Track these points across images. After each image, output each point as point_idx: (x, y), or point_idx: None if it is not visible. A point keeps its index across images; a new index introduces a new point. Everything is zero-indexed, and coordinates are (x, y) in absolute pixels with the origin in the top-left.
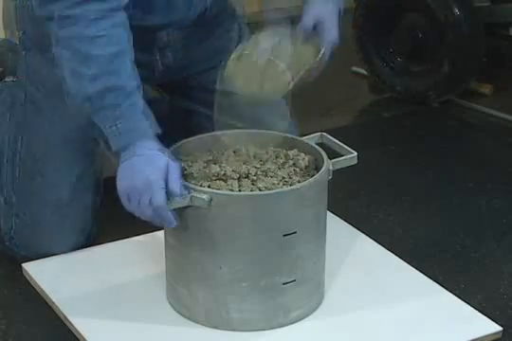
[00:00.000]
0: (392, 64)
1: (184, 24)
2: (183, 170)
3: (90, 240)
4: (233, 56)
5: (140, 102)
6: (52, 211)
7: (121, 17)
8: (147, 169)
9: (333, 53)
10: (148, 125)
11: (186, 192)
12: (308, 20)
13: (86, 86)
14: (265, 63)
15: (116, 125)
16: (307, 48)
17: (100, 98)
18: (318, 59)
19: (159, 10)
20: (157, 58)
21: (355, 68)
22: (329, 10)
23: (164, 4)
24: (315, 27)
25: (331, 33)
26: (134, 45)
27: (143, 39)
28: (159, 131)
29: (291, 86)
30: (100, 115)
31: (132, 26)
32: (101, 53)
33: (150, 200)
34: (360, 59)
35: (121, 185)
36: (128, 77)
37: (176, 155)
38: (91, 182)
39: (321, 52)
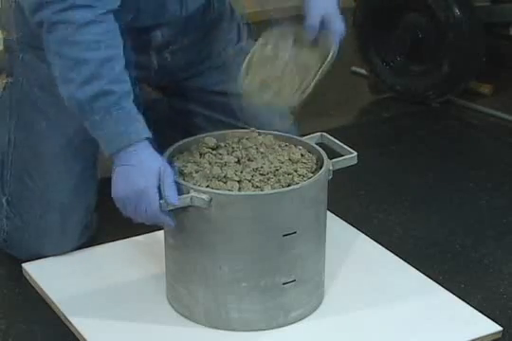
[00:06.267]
0: (392, 64)
1: (177, 24)
2: (180, 170)
3: (86, 241)
4: (247, 61)
5: (131, 106)
6: (52, 214)
7: (111, 22)
8: (140, 178)
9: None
10: (139, 129)
11: (177, 201)
12: (314, 19)
13: (76, 92)
14: (282, 68)
15: (106, 130)
16: (316, 51)
17: (90, 104)
18: (330, 60)
19: (150, 12)
20: (153, 58)
21: (355, 68)
22: (331, 3)
23: (154, 5)
24: (321, 25)
25: (337, 24)
26: (129, 46)
27: (138, 40)
28: (150, 135)
29: (308, 92)
30: (90, 120)
31: (124, 28)
32: (91, 58)
33: (145, 209)
34: (360, 59)
35: (116, 193)
36: (118, 81)
37: (174, 155)
38: (92, 183)
39: (331, 53)
